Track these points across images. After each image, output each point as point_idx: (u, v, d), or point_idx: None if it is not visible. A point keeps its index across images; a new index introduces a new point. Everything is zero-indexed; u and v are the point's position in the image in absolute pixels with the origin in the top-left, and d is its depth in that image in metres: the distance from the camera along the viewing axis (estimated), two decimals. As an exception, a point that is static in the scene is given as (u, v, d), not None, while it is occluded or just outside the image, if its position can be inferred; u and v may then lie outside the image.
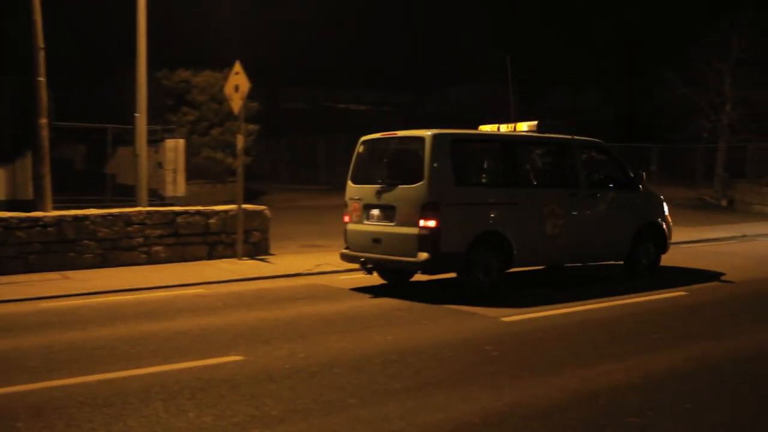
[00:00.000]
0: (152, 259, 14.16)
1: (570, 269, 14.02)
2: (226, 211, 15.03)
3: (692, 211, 27.25)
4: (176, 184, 20.99)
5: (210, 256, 14.76)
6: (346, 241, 12.36)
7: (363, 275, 12.50)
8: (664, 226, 13.69)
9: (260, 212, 15.46)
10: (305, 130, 40.43)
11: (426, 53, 52.07)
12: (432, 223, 10.84)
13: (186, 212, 14.74)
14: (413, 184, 11.11)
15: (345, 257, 12.33)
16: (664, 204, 13.97)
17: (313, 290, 11.96)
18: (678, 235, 15.69)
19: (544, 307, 10.38)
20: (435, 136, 11.12)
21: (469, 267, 11.21)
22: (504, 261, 11.58)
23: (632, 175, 13.35)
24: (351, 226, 12.20)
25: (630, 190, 13.33)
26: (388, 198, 11.49)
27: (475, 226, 11.27)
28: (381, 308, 10.41)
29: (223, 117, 25.68)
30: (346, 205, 12.32)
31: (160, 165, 21.54)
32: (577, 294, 11.54)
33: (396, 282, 12.48)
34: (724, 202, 29.82)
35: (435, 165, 10.97)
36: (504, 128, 13.16)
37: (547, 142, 13.04)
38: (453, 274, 11.65)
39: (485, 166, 12.70)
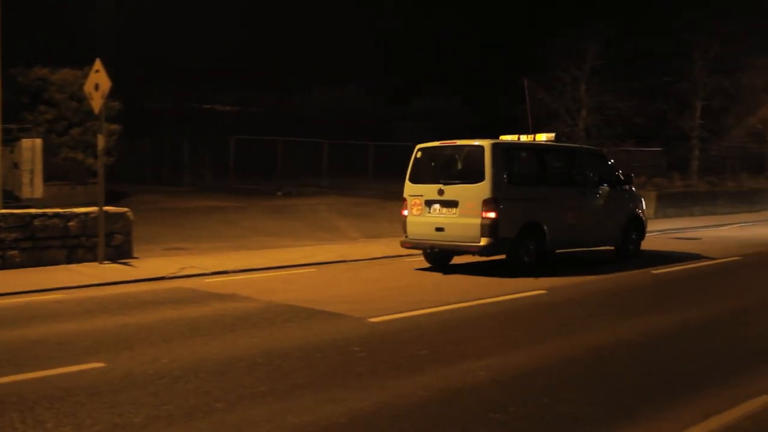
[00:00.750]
0: (6, 264, 13.57)
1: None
2: (86, 214, 14.56)
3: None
4: (33, 185, 20.14)
5: (69, 260, 14.25)
6: (404, 231, 14.57)
7: (227, 278, 12.42)
8: (643, 218, 16.83)
9: (122, 214, 15.06)
10: (170, 130, 39.56)
11: (291, 54, 51.99)
12: (492, 215, 13.32)
13: (44, 215, 14.19)
14: (475, 182, 13.55)
15: (406, 244, 14.58)
16: (642, 200, 17.14)
17: (177, 294, 11.74)
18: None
19: (409, 308, 10.53)
20: (494, 145, 13.67)
21: (517, 250, 13.69)
22: (539, 245, 14.04)
23: (623, 176, 16.19)
24: (412, 218, 14.46)
25: (620, 188, 16.16)
26: (450, 194, 13.83)
27: (521, 217, 13.79)
28: (247, 311, 10.32)
29: (84, 116, 24.83)
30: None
31: (15, 165, 20.62)
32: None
33: (437, 265, 14.58)
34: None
35: (494, 168, 13.38)
36: (524, 138, 15.58)
37: (565, 149, 16.14)
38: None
39: (526, 168, 14.93)
